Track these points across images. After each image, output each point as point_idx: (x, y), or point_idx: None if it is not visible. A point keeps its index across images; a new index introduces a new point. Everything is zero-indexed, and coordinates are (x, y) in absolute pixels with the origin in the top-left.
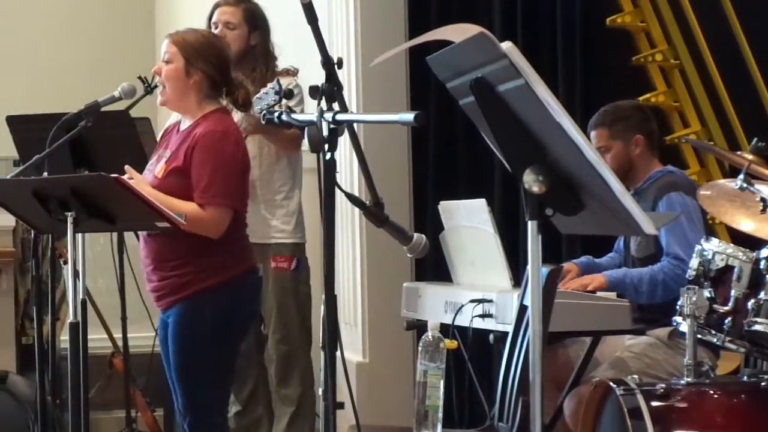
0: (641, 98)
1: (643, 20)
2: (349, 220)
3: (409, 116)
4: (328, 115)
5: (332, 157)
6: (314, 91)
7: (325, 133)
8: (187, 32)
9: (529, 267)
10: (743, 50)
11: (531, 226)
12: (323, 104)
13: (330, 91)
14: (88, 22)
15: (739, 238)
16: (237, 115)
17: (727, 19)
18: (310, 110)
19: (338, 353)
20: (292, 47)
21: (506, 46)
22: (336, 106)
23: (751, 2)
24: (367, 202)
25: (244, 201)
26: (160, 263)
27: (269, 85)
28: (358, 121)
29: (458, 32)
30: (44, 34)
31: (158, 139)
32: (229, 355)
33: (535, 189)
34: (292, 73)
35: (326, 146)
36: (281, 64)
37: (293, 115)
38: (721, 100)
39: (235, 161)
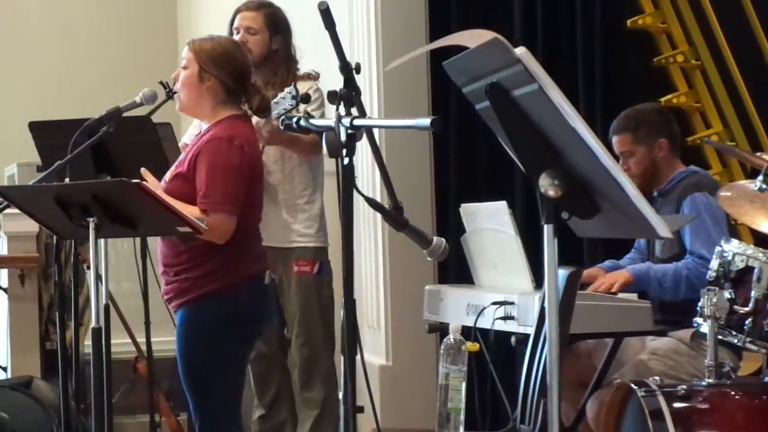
0: (663, 99)
1: (664, 21)
2: (371, 223)
3: (426, 121)
4: (346, 120)
5: (350, 162)
6: (333, 96)
7: (343, 138)
8: (205, 39)
9: (545, 271)
10: (765, 50)
11: (546, 229)
12: (341, 109)
13: (348, 96)
14: (110, 28)
15: (762, 239)
16: (254, 121)
17: (749, 20)
18: (331, 115)
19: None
20: (314, 51)
21: (520, 51)
22: (354, 110)
23: None
24: (387, 206)
25: (251, 209)
26: (167, 268)
27: (286, 89)
28: (375, 126)
29: (473, 38)
30: (66, 40)
31: (180, 144)
32: (233, 360)
33: (551, 193)
34: (313, 77)
35: (344, 151)
36: (303, 67)
37: (311, 121)
38: (743, 100)
39: (239, 169)
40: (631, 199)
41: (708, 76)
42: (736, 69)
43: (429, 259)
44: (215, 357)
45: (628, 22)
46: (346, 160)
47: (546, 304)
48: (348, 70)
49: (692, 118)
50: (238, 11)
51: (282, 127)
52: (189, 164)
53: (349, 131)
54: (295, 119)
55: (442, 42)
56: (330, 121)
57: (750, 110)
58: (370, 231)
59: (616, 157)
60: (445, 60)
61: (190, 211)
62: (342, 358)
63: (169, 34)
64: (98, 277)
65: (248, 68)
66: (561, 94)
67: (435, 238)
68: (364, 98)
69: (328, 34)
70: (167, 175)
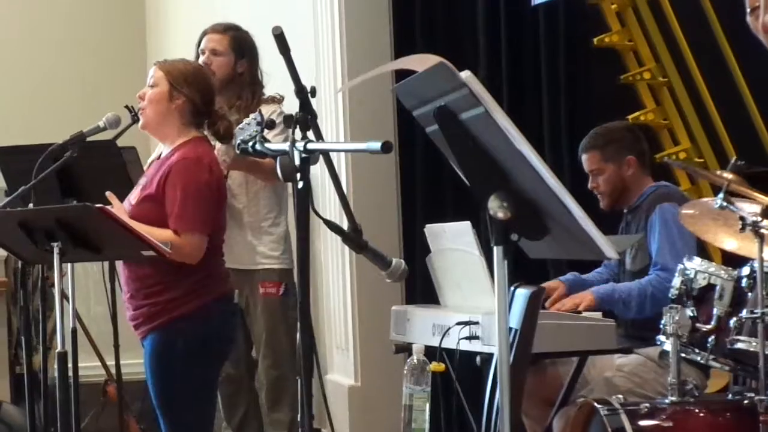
0: (630, 117)
1: (631, 39)
2: (338, 245)
3: (376, 145)
4: (300, 144)
5: (306, 185)
6: (289, 120)
7: (297, 161)
8: (175, 60)
9: (495, 291)
10: (732, 67)
11: (496, 251)
12: (297, 133)
13: (304, 119)
14: (79, 52)
15: (729, 256)
16: (216, 148)
17: (715, 37)
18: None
19: (330, 378)
20: (281, 74)
21: (465, 75)
22: (311, 134)
23: (738, 19)
24: (346, 228)
25: (218, 229)
26: (134, 292)
27: (252, 115)
28: (328, 150)
29: (420, 62)
30: (34, 65)
31: (145, 167)
32: (205, 382)
33: (500, 215)
34: (277, 100)
35: (298, 175)
36: (270, 90)
37: (266, 145)
38: (710, 116)
39: (209, 188)
40: (578, 220)
41: (675, 93)
42: (704, 86)
43: (388, 280)
44: (190, 381)
45: (595, 40)
46: (300, 184)
47: (497, 325)
48: (303, 94)
49: (660, 135)
50: (204, 33)
51: (238, 152)
52: (158, 186)
53: (303, 155)
54: (250, 143)
55: (389, 66)
56: (284, 145)
57: (718, 126)
58: (337, 253)
59: (586, 176)
60: None
61: (161, 234)
62: (299, 380)
63: (138, 58)
64: (64, 300)
65: (214, 92)
66: (506, 118)
67: (394, 260)
68: (330, 120)
69: (283, 58)
70: (131, 196)
